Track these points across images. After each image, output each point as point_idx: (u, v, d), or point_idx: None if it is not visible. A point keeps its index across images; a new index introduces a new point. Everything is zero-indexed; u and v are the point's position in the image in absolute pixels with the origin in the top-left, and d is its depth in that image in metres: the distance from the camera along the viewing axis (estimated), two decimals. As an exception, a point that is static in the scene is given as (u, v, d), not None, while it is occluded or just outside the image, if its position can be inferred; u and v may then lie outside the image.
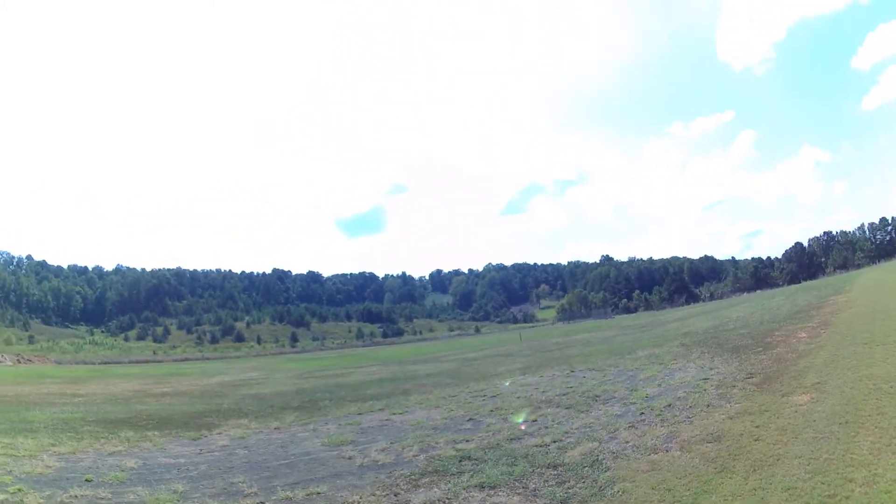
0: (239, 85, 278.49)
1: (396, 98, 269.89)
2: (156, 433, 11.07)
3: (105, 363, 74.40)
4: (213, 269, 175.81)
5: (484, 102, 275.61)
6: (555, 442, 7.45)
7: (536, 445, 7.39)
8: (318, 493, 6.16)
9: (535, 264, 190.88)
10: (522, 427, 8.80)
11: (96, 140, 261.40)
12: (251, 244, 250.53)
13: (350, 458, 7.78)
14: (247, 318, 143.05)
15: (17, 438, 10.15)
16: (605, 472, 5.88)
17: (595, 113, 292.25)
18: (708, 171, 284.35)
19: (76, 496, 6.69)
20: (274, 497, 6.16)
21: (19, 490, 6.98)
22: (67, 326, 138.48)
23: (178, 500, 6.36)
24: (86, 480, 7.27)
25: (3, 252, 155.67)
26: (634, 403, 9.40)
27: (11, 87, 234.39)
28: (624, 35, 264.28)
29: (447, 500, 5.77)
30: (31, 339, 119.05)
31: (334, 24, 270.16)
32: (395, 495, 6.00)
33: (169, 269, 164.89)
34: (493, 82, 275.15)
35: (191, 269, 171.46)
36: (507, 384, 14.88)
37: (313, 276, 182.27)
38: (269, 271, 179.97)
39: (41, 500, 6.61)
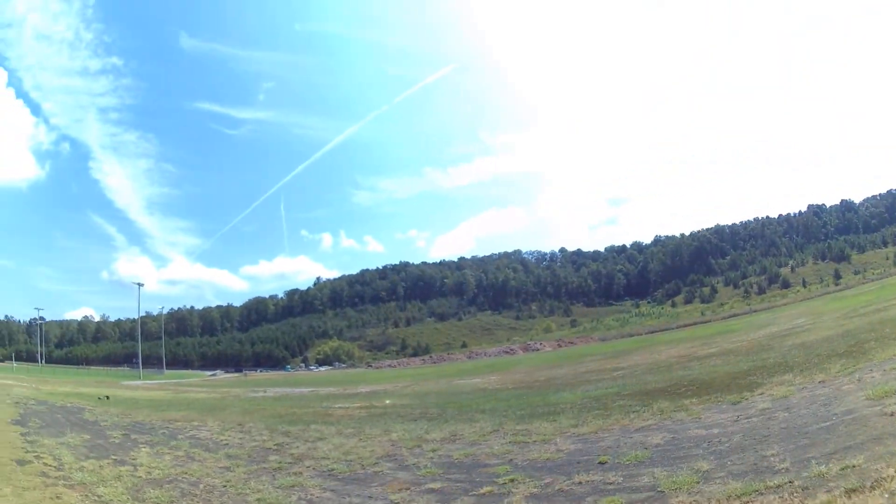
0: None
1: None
2: (694, 400, 10.56)
3: (651, 332, 76.26)
4: (751, 218, 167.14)
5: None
6: None
7: None
8: (853, 467, 4.89)
9: None
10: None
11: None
12: (782, 183, 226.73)
13: (893, 415, 6.38)
14: (790, 261, 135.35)
15: (534, 423, 10.50)
16: None
17: None
18: None
19: (580, 482, 6.31)
20: (805, 474, 5.08)
21: (511, 481, 6.81)
22: (611, 304, 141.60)
23: (698, 482, 5.60)
24: (599, 463, 6.97)
25: (534, 251, 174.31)
26: None
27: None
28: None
29: None
30: (573, 324, 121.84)
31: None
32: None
33: (708, 229, 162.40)
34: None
35: (729, 223, 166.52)
36: None
37: (847, 205, 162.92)
38: (804, 209, 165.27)
39: (534, 490, 6.32)
